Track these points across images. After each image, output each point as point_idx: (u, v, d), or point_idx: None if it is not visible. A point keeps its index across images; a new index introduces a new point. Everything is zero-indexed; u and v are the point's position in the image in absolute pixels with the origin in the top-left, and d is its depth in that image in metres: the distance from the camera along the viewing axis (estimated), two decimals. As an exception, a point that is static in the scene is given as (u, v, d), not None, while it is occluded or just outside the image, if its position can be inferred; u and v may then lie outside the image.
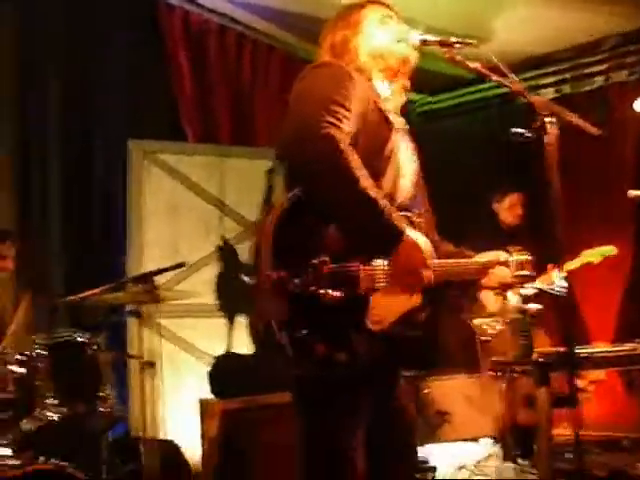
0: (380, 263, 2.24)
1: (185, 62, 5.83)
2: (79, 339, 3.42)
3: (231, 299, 5.43)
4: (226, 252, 5.48)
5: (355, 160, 2.19)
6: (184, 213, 5.56)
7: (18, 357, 3.20)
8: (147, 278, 3.65)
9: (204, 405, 4.81)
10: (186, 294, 4.57)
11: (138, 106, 5.63)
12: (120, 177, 5.51)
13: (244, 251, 5.55)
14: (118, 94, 5.60)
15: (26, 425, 3.13)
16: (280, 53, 6.38)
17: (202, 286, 5.11)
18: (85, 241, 5.42)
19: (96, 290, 3.80)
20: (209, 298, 5.28)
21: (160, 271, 3.91)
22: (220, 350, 5.36)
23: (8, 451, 3.02)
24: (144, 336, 5.03)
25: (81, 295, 3.73)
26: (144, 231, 5.44)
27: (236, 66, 6.15)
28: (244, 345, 5.41)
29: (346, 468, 2.30)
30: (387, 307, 2.24)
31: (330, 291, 2.14)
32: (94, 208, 5.51)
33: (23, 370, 3.18)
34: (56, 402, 3.15)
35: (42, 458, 3.08)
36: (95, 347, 3.38)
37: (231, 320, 5.44)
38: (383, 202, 2.20)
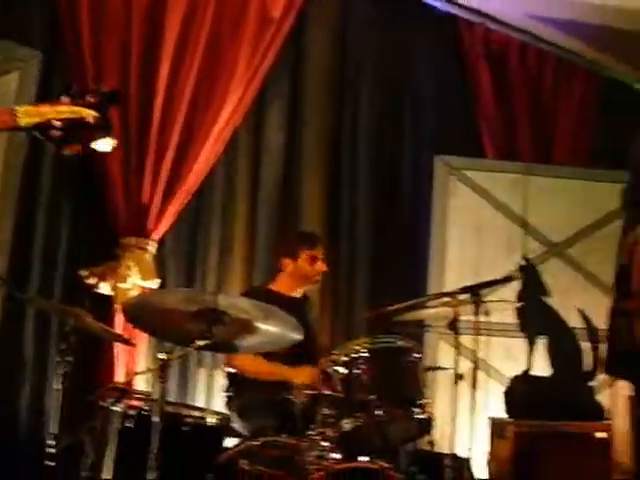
0: None
1: (486, 79, 5.87)
2: (402, 345, 3.47)
3: (532, 320, 5.33)
4: (528, 272, 5.38)
5: None
6: (487, 231, 5.49)
7: (344, 359, 3.34)
8: (474, 290, 3.75)
9: (495, 424, 4.77)
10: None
11: (443, 122, 5.75)
12: (426, 193, 5.55)
13: (545, 271, 5.44)
14: (425, 111, 5.77)
15: (346, 425, 3.24)
16: (582, 71, 6.22)
17: (500, 305, 5.03)
18: (390, 255, 5.52)
19: (401, 305, 3.95)
20: (507, 317, 5.20)
21: (487, 284, 3.98)
22: (515, 371, 5.29)
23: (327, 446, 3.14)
24: (441, 350, 5.12)
25: (390, 308, 3.91)
26: (447, 248, 5.46)
27: (537, 83, 6.06)
28: (542, 367, 5.30)
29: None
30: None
31: None
32: (401, 222, 5.62)
33: (346, 371, 3.32)
34: (377, 404, 3.25)
35: (364, 457, 3.22)
36: (417, 355, 3.46)
37: (531, 341, 5.33)
38: None
